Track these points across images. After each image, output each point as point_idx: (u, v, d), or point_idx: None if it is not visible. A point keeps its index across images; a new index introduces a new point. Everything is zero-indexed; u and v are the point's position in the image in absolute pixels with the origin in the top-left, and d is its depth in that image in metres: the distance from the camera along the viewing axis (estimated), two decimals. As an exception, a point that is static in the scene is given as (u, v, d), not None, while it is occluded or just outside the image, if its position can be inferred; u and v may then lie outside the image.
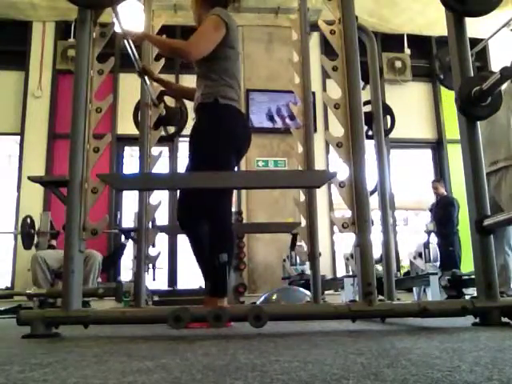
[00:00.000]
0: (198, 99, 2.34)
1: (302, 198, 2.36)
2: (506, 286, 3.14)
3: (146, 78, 2.57)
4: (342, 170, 1.78)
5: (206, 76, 2.32)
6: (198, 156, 2.28)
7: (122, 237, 5.18)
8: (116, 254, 5.34)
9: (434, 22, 6.14)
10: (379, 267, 3.03)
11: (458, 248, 5.42)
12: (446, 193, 5.97)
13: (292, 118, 5.94)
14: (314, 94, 2.90)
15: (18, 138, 6.08)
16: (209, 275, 2.23)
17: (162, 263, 5.79)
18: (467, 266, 4.80)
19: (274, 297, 3.81)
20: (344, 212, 1.78)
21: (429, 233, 4.46)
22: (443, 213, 5.58)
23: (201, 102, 2.32)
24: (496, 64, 6.63)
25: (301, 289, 4.14)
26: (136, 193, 2.72)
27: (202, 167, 2.21)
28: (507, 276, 3.20)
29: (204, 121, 2.31)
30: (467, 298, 3.51)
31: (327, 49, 4.52)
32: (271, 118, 6.13)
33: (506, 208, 3.10)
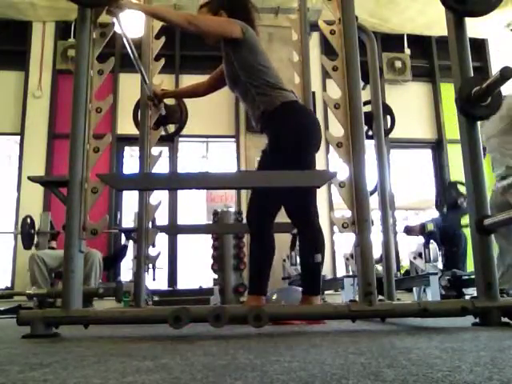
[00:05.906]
0: (260, 110, 2.23)
1: (302, 197, 2.36)
2: (509, 284, 3.10)
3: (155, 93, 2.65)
4: (341, 170, 1.78)
5: (256, 88, 2.22)
6: (285, 160, 2.16)
7: (123, 238, 5.18)
8: (117, 255, 5.35)
9: (434, 22, 6.14)
10: (379, 267, 3.03)
11: (462, 248, 5.33)
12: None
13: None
14: (313, 93, 2.89)
15: (18, 138, 6.08)
16: (304, 276, 2.36)
17: (162, 263, 5.79)
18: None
19: (274, 297, 3.80)
20: (344, 212, 1.77)
21: (429, 233, 4.46)
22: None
23: (268, 111, 2.20)
24: (496, 64, 6.63)
25: (301, 289, 4.13)
26: (136, 193, 2.72)
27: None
28: None
29: (283, 123, 2.21)
30: (467, 297, 3.51)
31: (327, 49, 4.51)
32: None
33: None
